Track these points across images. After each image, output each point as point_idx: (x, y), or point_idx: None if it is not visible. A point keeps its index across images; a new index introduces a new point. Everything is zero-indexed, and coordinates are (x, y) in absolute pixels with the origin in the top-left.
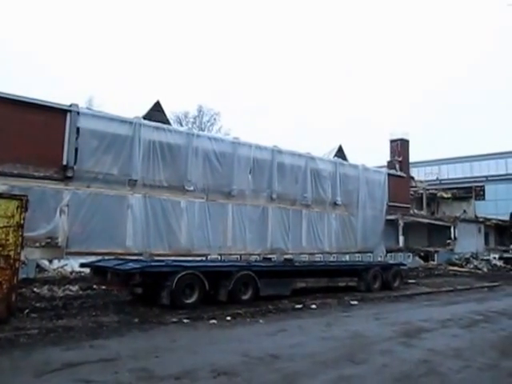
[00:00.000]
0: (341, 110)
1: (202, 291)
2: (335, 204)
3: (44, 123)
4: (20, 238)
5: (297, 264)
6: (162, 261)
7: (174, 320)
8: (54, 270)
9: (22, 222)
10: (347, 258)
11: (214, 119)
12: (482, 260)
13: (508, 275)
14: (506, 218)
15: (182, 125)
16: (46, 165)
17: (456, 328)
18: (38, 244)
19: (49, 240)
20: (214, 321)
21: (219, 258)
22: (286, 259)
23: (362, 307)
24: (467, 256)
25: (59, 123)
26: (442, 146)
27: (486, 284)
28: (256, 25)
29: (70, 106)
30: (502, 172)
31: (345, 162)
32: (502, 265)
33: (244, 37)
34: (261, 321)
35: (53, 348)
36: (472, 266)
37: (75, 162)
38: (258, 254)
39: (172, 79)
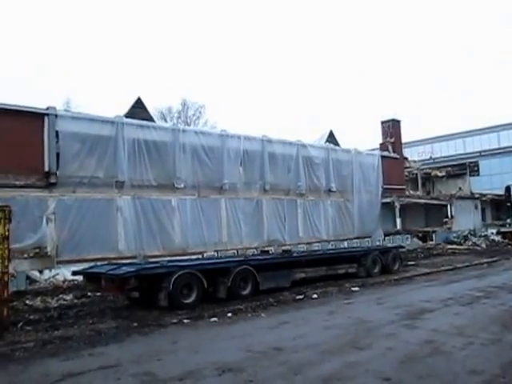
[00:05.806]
0: (328, 93)
1: (201, 290)
2: (330, 191)
3: (21, 129)
4: (6, 251)
5: (295, 255)
6: (157, 262)
7: (174, 321)
8: (46, 280)
9: (6, 233)
10: (345, 244)
11: (200, 112)
12: (480, 236)
13: (506, 250)
14: (502, 192)
15: (166, 121)
16: (26, 172)
17: (457, 306)
18: (26, 255)
19: (37, 250)
20: (214, 319)
21: (216, 254)
22: (283, 251)
23: (363, 293)
24: (465, 233)
25: (37, 128)
26: (433, 124)
27: (485, 260)
28: (235, 18)
29: (47, 109)
30: (495, 146)
31: (337, 148)
32: (500, 240)
33: (225, 29)
34: (262, 315)
35: (51, 359)
36: (470, 242)
37: (58, 168)
38: (255, 248)
39: (150, 75)
